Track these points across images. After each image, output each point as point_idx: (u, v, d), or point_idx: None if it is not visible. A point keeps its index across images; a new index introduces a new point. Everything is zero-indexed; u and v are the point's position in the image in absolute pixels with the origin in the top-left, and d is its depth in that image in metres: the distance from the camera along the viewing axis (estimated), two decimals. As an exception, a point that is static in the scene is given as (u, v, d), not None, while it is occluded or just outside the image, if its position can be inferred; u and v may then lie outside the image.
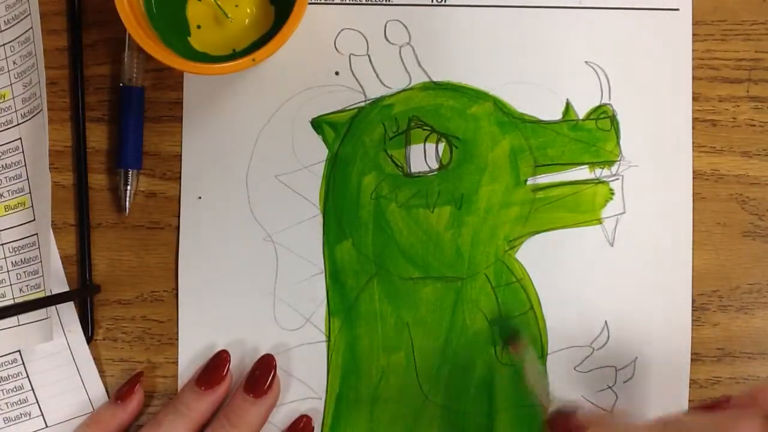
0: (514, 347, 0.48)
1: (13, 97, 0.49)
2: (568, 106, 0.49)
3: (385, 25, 0.49)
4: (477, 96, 0.49)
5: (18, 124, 0.49)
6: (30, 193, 0.48)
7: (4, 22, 0.49)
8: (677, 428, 0.36)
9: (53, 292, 0.47)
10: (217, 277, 0.49)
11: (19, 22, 0.49)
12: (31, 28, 0.48)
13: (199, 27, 0.47)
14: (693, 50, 0.49)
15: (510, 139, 0.49)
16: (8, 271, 0.48)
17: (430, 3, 0.49)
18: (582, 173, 0.49)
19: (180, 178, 0.49)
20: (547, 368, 0.48)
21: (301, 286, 0.49)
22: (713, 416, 0.38)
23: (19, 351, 0.48)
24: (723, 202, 0.49)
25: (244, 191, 0.49)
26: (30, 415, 0.48)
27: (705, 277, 0.49)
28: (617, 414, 0.48)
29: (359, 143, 0.49)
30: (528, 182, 0.49)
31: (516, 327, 0.48)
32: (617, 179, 0.49)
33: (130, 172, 0.49)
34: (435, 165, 0.49)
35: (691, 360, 0.48)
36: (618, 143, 0.49)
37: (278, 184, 0.49)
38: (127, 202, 0.49)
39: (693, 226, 0.49)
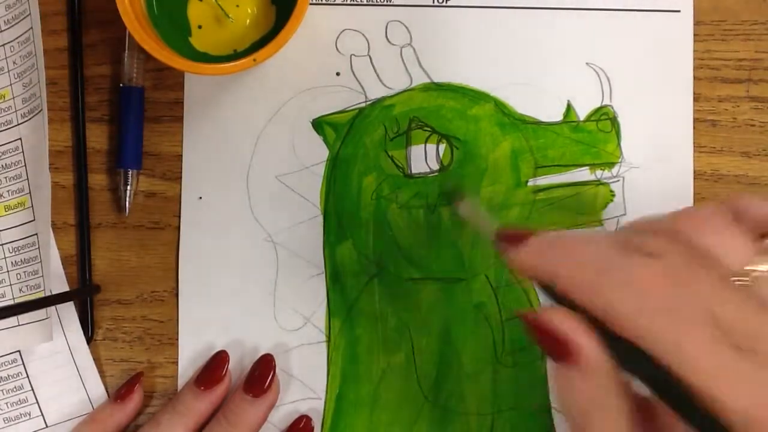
0: (458, 203, 0.46)
1: (13, 97, 0.49)
2: (568, 108, 0.49)
3: (386, 26, 0.49)
4: (478, 97, 0.49)
5: (18, 124, 0.49)
6: (30, 193, 0.48)
7: (4, 22, 0.49)
8: (639, 239, 0.31)
9: (53, 292, 0.47)
10: (217, 277, 0.49)
11: (19, 22, 0.49)
12: (31, 28, 0.48)
13: (200, 27, 0.47)
14: (693, 50, 0.49)
15: (511, 140, 0.49)
16: (8, 271, 0.48)
17: (432, 4, 0.49)
18: (583, 175, 0.49)
19: (180, 178, 0.49)
20: (546, 370, 0.48)
21: (301, 287, 0.49)
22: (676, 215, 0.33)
23: (19, 351, 0.48)
24: (723, 203, 0.49)
25: (244, 191, 0.49)
26: (30, 415, 0.48)
27: (705, 278, 0.49)
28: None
29: (360, 144, 0.49)
30: (528, 183, 0.49)
31: (457, 184, 0.48)
32: (618, 181, 0.49)
33: (130, 172, 0.49)
34: (436, 166, 0.49)
35: (691, 360, 0.48)
36: (619, 145, 0.49)
37: (279, 184, 0.49)
38: (127, 202, 0.49)
39: (693, 226, 0.49)
